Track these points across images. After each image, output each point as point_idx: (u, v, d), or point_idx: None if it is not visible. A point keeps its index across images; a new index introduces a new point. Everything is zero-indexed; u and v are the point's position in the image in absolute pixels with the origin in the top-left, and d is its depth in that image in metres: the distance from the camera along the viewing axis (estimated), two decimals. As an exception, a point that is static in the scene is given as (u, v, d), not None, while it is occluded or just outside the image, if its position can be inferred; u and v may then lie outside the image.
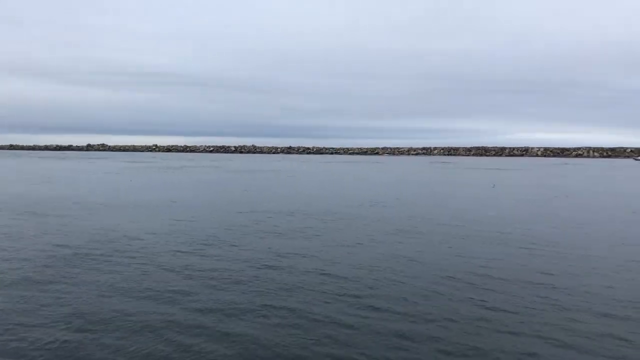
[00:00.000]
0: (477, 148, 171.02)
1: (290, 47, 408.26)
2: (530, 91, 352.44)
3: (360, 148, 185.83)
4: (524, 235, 17.90)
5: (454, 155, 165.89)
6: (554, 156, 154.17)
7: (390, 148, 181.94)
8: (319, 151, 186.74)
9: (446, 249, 15.45)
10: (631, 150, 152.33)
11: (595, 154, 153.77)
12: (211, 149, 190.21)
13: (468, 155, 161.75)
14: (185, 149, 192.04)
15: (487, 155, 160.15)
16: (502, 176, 58.24)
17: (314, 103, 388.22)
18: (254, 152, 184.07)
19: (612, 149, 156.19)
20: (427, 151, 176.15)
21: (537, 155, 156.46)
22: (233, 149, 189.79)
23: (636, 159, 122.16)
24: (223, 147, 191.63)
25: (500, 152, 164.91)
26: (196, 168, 71.88)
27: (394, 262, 13.52)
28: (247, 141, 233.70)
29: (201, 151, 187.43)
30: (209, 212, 23.49)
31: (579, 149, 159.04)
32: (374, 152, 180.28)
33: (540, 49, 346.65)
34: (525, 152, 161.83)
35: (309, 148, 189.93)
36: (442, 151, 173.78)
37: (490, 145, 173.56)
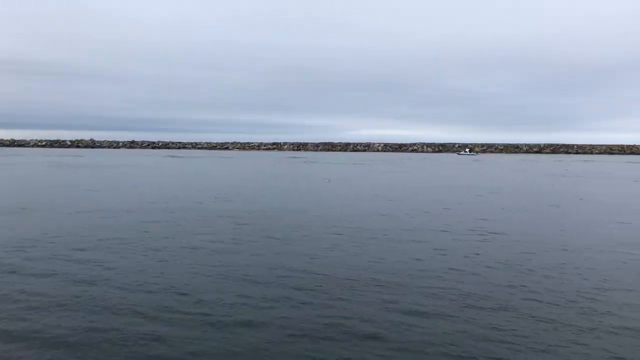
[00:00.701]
0: (325, 143, 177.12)
1: (129, 36, 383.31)
2: (376, 89, 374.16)
3: (210, 142, 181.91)
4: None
5: (303, 150, 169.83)
6: (392, 151, 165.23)
7: (241, 143, 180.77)
8: (166, 145, 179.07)
9: (275, 242, 15.27)
10: (459, 146, 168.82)
11: (429, 149, 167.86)
12: (43, 143, 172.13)
13: (316, 150, 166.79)
14: (13, 144, 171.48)
15: (333, 150, 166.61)
16: (338, 170, 60.54)
17: (158, 94, 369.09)
18: (93, 147, 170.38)
19: (443, 145, 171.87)
20: (277, 146, 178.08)
21: (378, 150, 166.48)
22: (69, 143, 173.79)
23: (459, 154, 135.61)
24: (57, 141, 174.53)
25: (345, 147, 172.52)
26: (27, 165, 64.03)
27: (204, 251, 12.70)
28: (85, 135, 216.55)
29: (31, 146, 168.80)
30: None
31: (415, 144, 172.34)
32: (223, 146, 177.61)
33: (385, 49, 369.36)
34: (367, 147, 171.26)
35: (154, 142, 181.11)
36: (291, 146, 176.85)
37: (336, 141, 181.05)
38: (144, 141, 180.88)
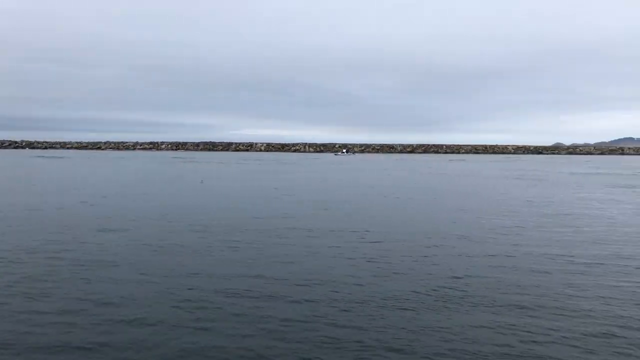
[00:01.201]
0: (206, 143, 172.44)
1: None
2: (258, 89, 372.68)
3: (80, 142, 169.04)
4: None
5: (182, 150, 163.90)
6: (275, 151, 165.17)
7: (115, 142, 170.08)
8: (31, 145, 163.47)
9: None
10: (339, 146, 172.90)
11: (310, 149, 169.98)
12: None
13: (196, 150, 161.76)
14: None
15: (215, 150, 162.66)
16: (216, 170, 58.74)
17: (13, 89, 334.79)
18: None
19: (324, 145, 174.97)
20: (155, 146, 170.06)
21: (261, 150, 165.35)
22: None
23: (336, 154, 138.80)
24: None
25: (227, 147, 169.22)
26: None
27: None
28: None
29: None
30: None
31: (297, 144, 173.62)
32: (95, 146, 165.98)
33: (267, 49, 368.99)
34: (250, 147, 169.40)
35: (17, 142, 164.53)
36: (170, 146, 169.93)
37: (217, 140, 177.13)
38: (4, 141, 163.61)
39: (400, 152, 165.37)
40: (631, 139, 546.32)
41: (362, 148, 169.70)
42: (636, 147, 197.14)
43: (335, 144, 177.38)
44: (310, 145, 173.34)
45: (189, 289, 10.98)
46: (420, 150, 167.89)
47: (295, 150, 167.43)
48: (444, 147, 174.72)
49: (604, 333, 8.89)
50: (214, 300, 10.25)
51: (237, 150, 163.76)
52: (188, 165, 70.23)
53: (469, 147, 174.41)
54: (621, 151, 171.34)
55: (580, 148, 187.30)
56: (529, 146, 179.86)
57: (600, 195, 33.23)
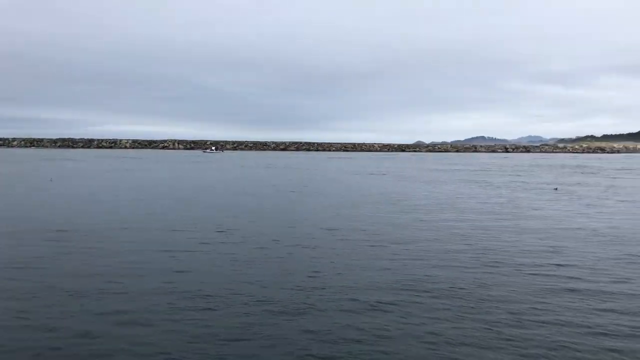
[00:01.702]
0: (64, 140, 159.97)
1: None
2: (122, 84, 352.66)
3: None
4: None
5: (38, 147, 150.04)
6: (142, 148, 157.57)
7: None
8: None
9: None
10: (210, 143, 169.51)
11: (180, 146, 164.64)
12: None
13: (54, 147, 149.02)
14: None
15: (75, 147, 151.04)
16: (71, 167, 54.35)
17: None
18: None
19: (195, 142, 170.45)
20: (6, 142, 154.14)
21: (126, 147, 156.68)
22: None
23: (204, 151, 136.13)
24: None
25: (88, 144, 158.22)
26: None
27: None
28: None
29: None
30: None
31: (166, 141, 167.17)
32: None
33: (127, 43, 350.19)
34: (114, 144, 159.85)
35: None
36: (23, 142, 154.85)
37: (78, 137, 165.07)
38: None
39: (274, 149, 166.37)
40: (482, 137, 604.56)
41: (235, 145, 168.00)
42: (487, 145, 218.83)
43: (207, 140, 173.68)
44: (180, 142, 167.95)
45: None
46: (293, 148, 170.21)
47: (163, 147, 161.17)
48: (316, 145, 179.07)
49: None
50: None
51: (100, 147, 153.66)
52: (42, 164, 64.33)
53: (339, 146, 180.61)
54: (474, 149, 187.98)
55: (439, 146, 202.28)
56: (394, 144, 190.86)
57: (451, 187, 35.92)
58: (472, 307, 10.09)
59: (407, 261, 13.95)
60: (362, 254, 14.81)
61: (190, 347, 8.22)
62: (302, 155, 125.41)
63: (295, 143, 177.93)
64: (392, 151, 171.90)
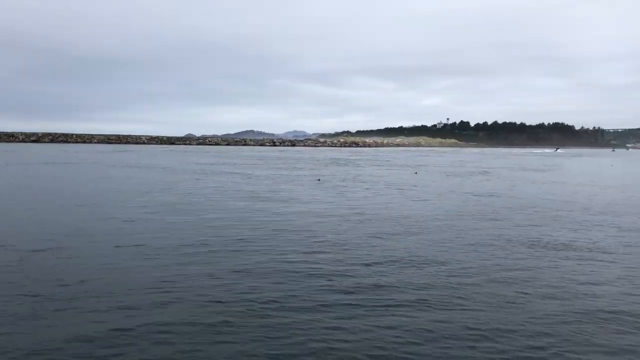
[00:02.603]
0: None
1: None
2: None
3: None
4: None
5: None
6: None
7: None
8: None
9: None
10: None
11: None
12: None
13: None
14: None
15: None
16: None
17: None
18: None
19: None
20: None
21: None
22: None
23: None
24: None
25: None
26: None
27: None
28: None
29: None
30: None
31: None
32: None
33: None
34: None
35: None
36: None
37: None
38: None
39: (23, 141, 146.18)
40: (252, 131, 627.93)
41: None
42: (256, 139, 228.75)
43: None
44: None
45: None
46: (47, 140, 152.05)
47: None
48: (75, 136, 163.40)
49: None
50: None
51: None
52: None
53: (102, 137, 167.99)
54: (244, 142, 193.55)
55: (209, 139, 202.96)
56: (163, 137, 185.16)
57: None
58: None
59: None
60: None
61: None
62: (60, 148, 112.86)
63: (50, 134, 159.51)
64: (161, 144, 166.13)
